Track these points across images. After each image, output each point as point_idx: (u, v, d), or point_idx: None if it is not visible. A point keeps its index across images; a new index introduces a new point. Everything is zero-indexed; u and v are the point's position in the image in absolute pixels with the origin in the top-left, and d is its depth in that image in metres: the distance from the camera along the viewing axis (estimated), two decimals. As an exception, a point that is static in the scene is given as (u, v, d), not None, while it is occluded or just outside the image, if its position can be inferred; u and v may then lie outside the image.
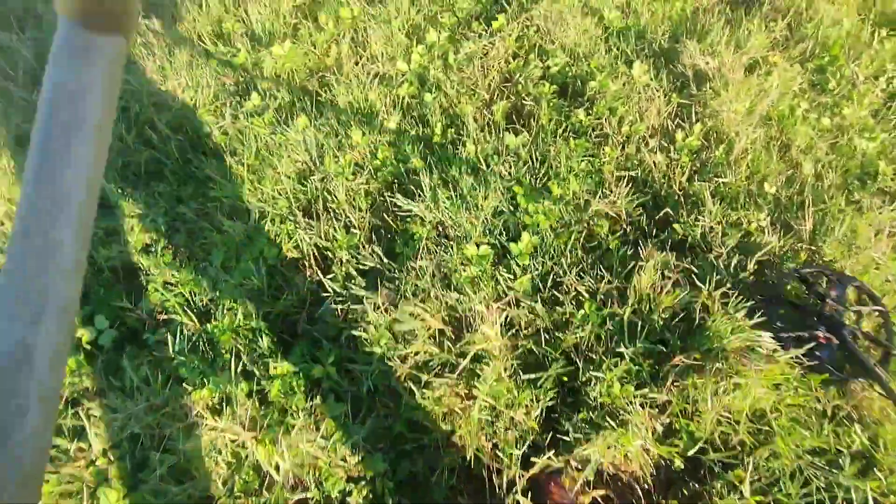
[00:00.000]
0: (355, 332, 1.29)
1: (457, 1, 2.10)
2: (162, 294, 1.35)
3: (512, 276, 1.46)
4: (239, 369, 1.27)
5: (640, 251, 1.54)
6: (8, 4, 2.16)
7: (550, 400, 1.26)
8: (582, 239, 1.58)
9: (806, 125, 1.92)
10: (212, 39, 1.92)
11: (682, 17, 2.27)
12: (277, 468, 1.13)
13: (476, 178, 1.63)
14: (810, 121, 1.94)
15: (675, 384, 1.30)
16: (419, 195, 1.54)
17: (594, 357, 1.36)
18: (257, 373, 1.26)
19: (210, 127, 1.68)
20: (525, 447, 1.21)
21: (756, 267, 1.50)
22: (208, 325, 1.31)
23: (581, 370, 1.33)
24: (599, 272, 1.48)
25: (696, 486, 1.24)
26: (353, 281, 1.40)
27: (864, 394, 1.36)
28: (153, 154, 1.60)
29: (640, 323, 1.41)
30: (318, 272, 1.44)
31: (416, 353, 1.30)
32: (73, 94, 0.34)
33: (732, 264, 1.51)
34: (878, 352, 1.39)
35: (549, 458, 1.17)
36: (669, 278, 1.48)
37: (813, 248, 1.59)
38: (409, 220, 1.54)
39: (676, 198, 1.68)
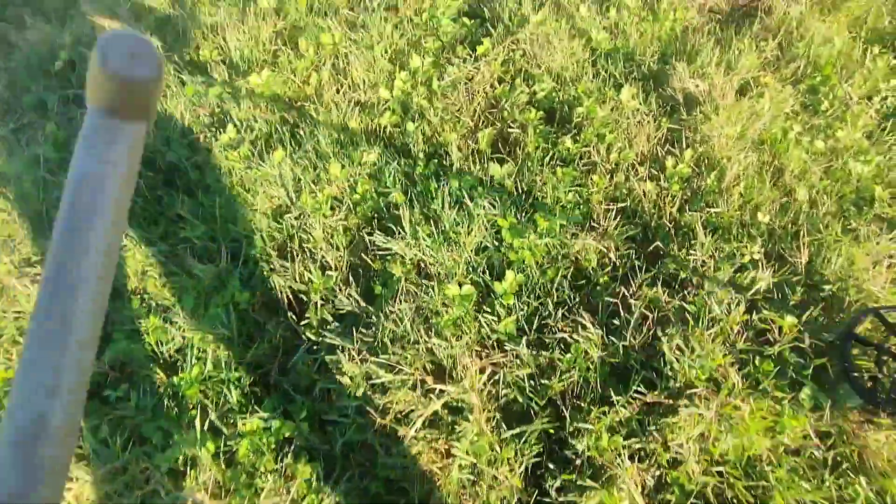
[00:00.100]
0: (329, 385, 1.22)
1: (441, 25, 2.05)
2: (126, 344, 1.28)
3: (496, 318, 1.40)
4: (206, 426, 1.20)
5: (631, 286, 1.49)
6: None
7: (535, 456, 1.19)
8: (569, 275, 1.52)
9: (799, 149, 1.87)
10: (188, 68, 1.86)
11: (671, 36, 2.23)
12: (244, 537, 1.06)
13: (459, 211, 1.57)
14: (803, 144, 1.89)
15: (658, 431, 1.23)
16: (399, 232, 1.48)
17: (581, 405, 1.30)
18: (225, 430, 1.19)
19: (183, 161, 1.62)
20: (509, 507, 1.14)
21: (748, 305, 1.45)
22: (175, 378, 1.25)
23: (568, 420, 1.26)
24: (588, 311, 1.42)
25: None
26: (328, 327, 1.33)
27: (867, 435, 1.30)
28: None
29: (628, 366, 1.35)
30: (293, 316, 1.38)
31: (394, 404, 1.24)
32: (98, 176, 0.37)
33: (726, 301, 1.45)
34: None
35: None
36: (663, 317, 1.42)
37: (810, 281, 1.53)
38: (388, 258, 1.48)
39: (667, 229, 1.62)
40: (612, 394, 1.29)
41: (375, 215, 1.58)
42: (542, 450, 1.23)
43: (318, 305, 1.36)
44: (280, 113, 1.76)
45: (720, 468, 1.20)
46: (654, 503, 1.17)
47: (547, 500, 1.14)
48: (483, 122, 1.89)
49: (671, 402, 1.24)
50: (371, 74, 1.90)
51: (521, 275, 1.46)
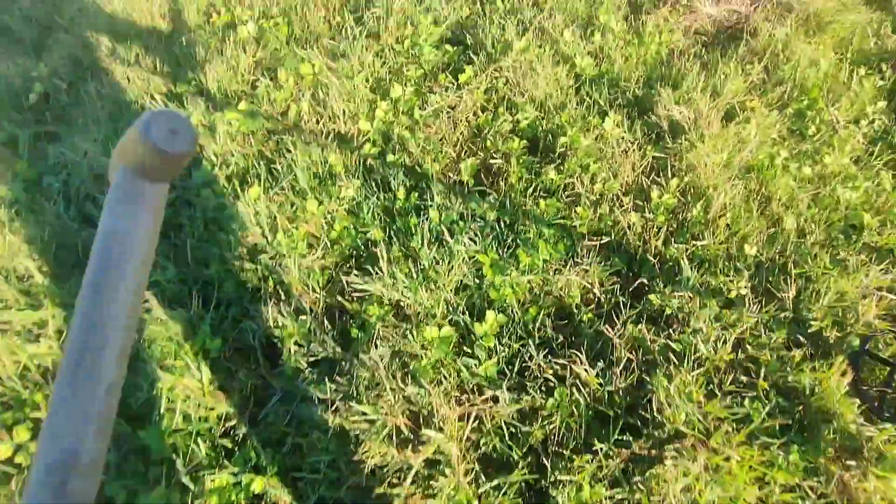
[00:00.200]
0: (301, 440, 1.18)
1: (423, 53, 2.02)
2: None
3: (476, 361, 1.36)
4: (173, 482, 1.15)
5: (616, 323, 1.45)
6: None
7: (515, 511, 1.15)
8: (552, 313, 1.49)
9: (787, 176, 1.84)
10: (163, 100, 1.83)
11: (656, 60, 2.21)
12: None
13: (440, 248, 1.53)
14: (791, 171, 1.86)
15: (643, 482, 1.19)
16: (376, 272, 1.45)
17: (563, 452, 1.26)
18: (193, 487, 1.14)
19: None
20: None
21: (735, 342, 1.41)
22: (141, 432, 1.20)
23: (549, 470, 1.22)
24: (572, 350, 1.38)
25: None
26: (301, 375, 1.29)
27: (857, 483, 1.26)
28: (92, 234, 1.50)
29: (613, 411, 1.31)
30: (266, 363, 1.34)
31: (369, 458, 1.19)
32: (126, 231, 0.41)
33: (711, 339, 1.41)
34: None
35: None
36: (649, 360, 1.38)
37: (798, 317, 1.50)
38: (366, 299, 1.44)
39: (652, 264, 1.59)
40: (596, 441, 1.25)
41: (353, 253, 1.55)
42: (521, 502, 1.18)
43: (292, 352, 1.32)
44: (257, 146, 1.73)
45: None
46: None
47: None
48: (465, 151, 1.86)
49: (657, 452, 1.20)
50: (351, 105, 1.87)
51: (501, 315, 1.42)
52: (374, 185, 1.68)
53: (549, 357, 1.38)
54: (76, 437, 0.37)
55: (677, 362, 1.37)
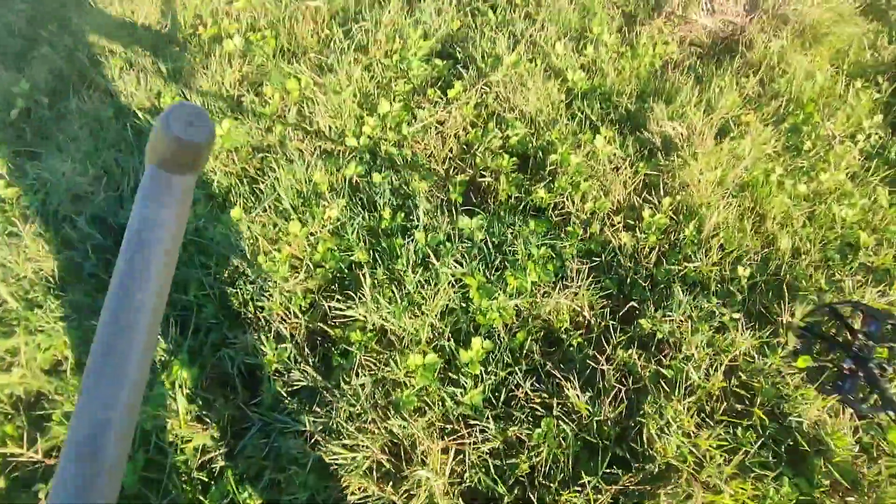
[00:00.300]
0: (279, 475, 1.14)
1: (412, 67, 1.99)
2: (63, 430, 1.20)
3: (461, 390, 1.32)
4: (146, 520, 1.12)
5: (605, 348, 1.42)
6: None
7: (498, 551, 1.11)
8: (540, 338, 1.45)
9: (781, 193, 1.81)
10: (146, 116, 1.80)
11: (650, 73, 2.18)
12: None
13: (425, 271, 1.50)
14: (786, 188, 1.83)
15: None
16: (360, 296, 1.41)
17: (550, 485, 1.22)
18: (166, 526, 1.11)
19: (136, 220, 1.54)
20: None
21: (727, 369, 1.38)
22: (114, 467, 1.16)
23: (536, 505, 1.18)
24: (560, 377, 1.35)
25: None
26: (281, 405, 1.25)
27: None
28: (69, 256, 1.47)
29: (602, 443, 1.27)
30: (245, 392, 1.30)
31: (349, 494, 1.15)
32: (155, 223, 0.43)
33: (703, 365, 1.38)
34: None
35: None
36: (639, 387, 1.35)
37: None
38: (348, 324, 1.40)
39: (644, 286, 1.55)
40: (584, 474, 1.21)
41: (337, 276, 1.51)
42: (506, 541, 1.15)
43: (272, 380, 1.28)
44: (241, 164, 1.69)
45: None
46: None
47: None
48: (454, 168, 1.82)
49: (648, 487, 1.16)
50: (338, 121, 1.83)
51: (488, 341, 1.39)
52: (359, 204, 1.65)
53: (537, 385, 1.35)
54: (111, 404, 0.38)
55: (668, 390, 1.34)
